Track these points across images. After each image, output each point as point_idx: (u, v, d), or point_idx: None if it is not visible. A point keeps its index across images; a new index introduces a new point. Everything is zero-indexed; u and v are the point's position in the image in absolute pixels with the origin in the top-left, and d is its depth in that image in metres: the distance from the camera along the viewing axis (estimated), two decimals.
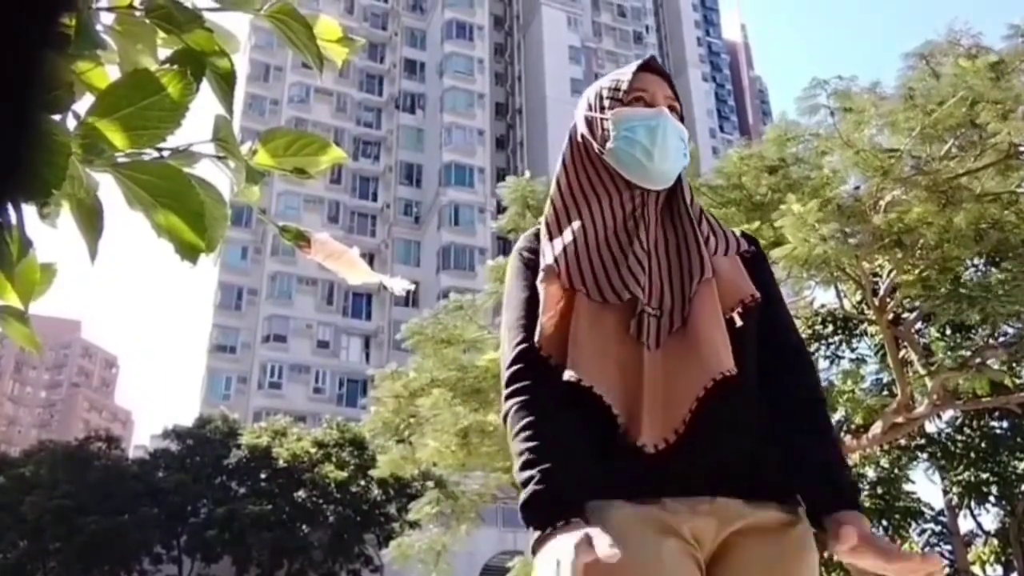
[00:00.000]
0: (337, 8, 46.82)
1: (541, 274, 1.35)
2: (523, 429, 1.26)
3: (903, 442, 11.61)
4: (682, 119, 1.47)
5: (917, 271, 8.61)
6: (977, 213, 8.09)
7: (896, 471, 12.50)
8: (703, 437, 1.23)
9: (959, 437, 12.27)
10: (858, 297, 10.26)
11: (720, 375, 1.25)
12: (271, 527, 27.03)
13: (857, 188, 8.94)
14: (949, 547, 13.39)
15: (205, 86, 1.01)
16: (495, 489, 12.46)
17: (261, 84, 47.48)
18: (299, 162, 1.10)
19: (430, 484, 13.75)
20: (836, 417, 10.54)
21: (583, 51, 51.74)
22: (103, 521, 27.23)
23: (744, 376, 1.27)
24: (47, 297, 1.10)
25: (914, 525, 12.98)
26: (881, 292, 9.08)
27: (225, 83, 1.06)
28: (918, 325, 10.15)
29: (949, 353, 9.34)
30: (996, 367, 8.90)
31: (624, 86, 1.44)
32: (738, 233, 1.48)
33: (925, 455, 12.44)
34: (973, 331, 9.77)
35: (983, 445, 12.16)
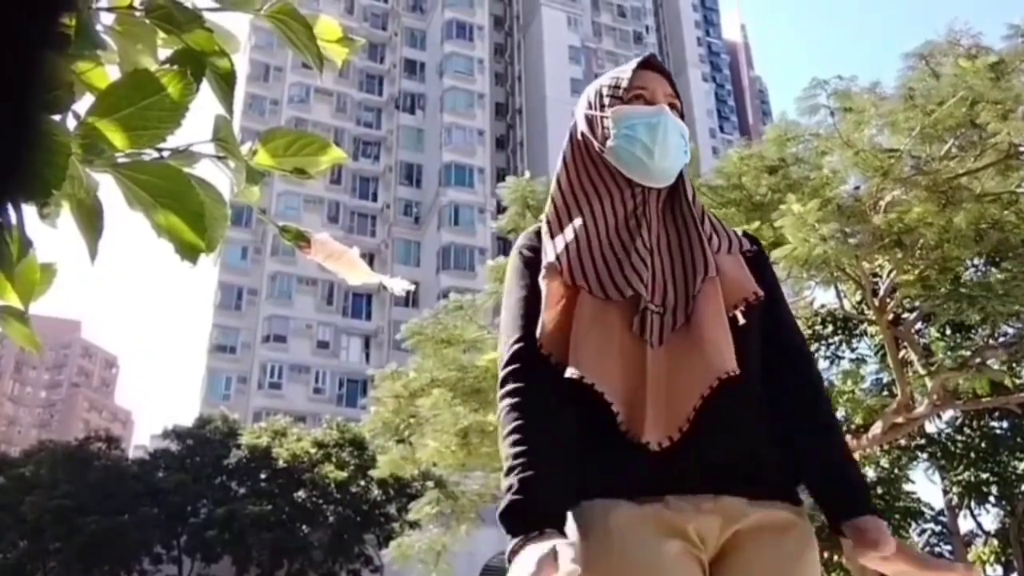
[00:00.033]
0: (337, 8, 46.82)
1: (543, 271, 1.34)
2: (510, 433, 1.26)
3: (903, 442, 11.62)
4: (682, 116, 1.46)
5: (917, 271, 8.61)
6: (977, 213, 8.09)
7: (896, 471, 12.50)
8: (706, 435, 1.22)
9: (959, 437, 12.27)
10: (858, 297, 10.26)
11: (724, 375, 1.24)
12: (271, 527, 27.02)
13: (857, 188, 8.93)
14: (949, 547, 13.40)
15: (205, 86, 1.01)
16: (495, 489, 12.46)
17: (261, 84, 47.48)
18: (299, 162, 1.10)
19: (430, 484, 13.75)
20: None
21: (583, 51, 51.74)
22: (103, 521, 27.23)
23: (746, 375, 1.27)
24: (47, 297, 1.10)
25: (914, 525, 13.00)
26: (881, 292, 9.07)
27: (225, 83, 1.06)
28: (918, 325, 10.15)
29: (949, 353, 9.34)
30: (996, 367, 8.90)
31: (624, 84, 1.44)
32: (740, 232, 1.48)
33: (925, 455, 12.44)
34: (973, 331, 9.77)
35: (983, 445, 12.16)
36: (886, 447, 11.46)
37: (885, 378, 11.42)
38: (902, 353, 9.53)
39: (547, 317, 1.31)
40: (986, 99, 7.72)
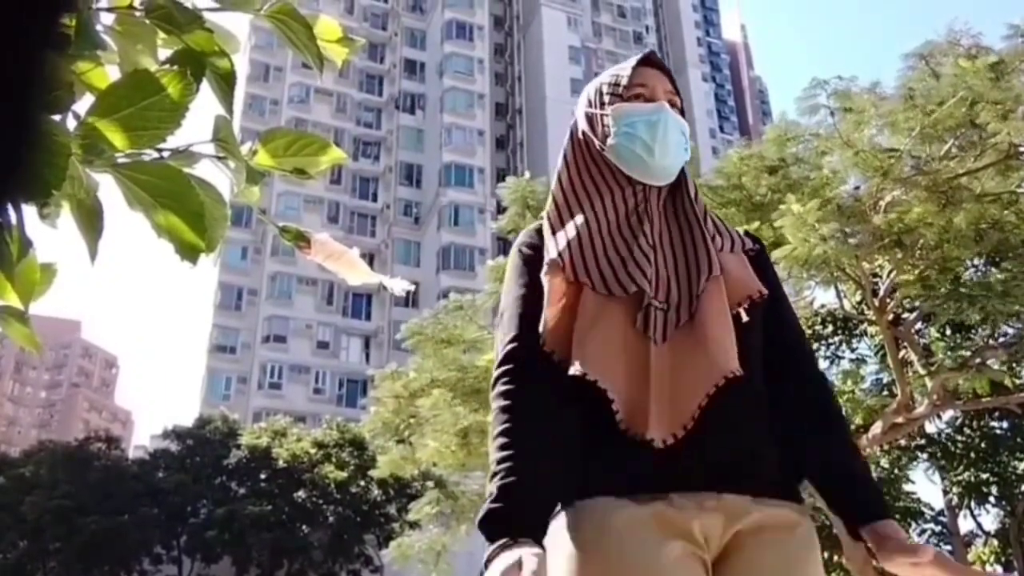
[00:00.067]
0: (337, 8, 46.83)
1: (545, 267, 1.34)
2: (496, 437, 1.25)
3: (903, 442, 11.62)
4: (683, 113, 1.46)
5: (917, 271, 8.61)
6: (977, 213, 8.09)
7: (896, 471, 12.51)
8: (709, 434, 1.22)
9: (959, 437, 12.27)
10: (858, 297, 10.26)
11: (729, 375, 1.24)
12: (271, 527, 27.03)
13: (857, 188, 8.93)
14: (949, 547, 13.39)
15: (205, 86, 1.01)
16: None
17: (261, 84, 47.48)
18: (299, 162, 1.10)
19: (430, 484, 13.75)
20: None
21: (583, 51, 51.75)
22: (103, 521, 27.24)
23: (749, 374, 1.27)
24: (47, 297, 1.10)
25: (914, 525, 12.99)
26: (881, 292, 9.07)
27: (225, 83, 1.06)
28: (918, 325, 10.15)
29: (949, 353, 9.34)
30: (996, 367, 8.90)
31: (624, 81, 1.43)
32: (741, 231, 1.47)
33: (925, 455, 12.44)
34: (973, 331, 9.77)
35: (983, 445, 12.16)
36: (886, 447, 11.46)
37: (885, 378, 11.41)
38: (902, 353, 9.52)
39: (549, 314, 1.31)
40: (986, 99, 7.72)
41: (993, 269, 8.98)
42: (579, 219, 1.37)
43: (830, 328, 11.43)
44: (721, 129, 60.16)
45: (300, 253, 1.26)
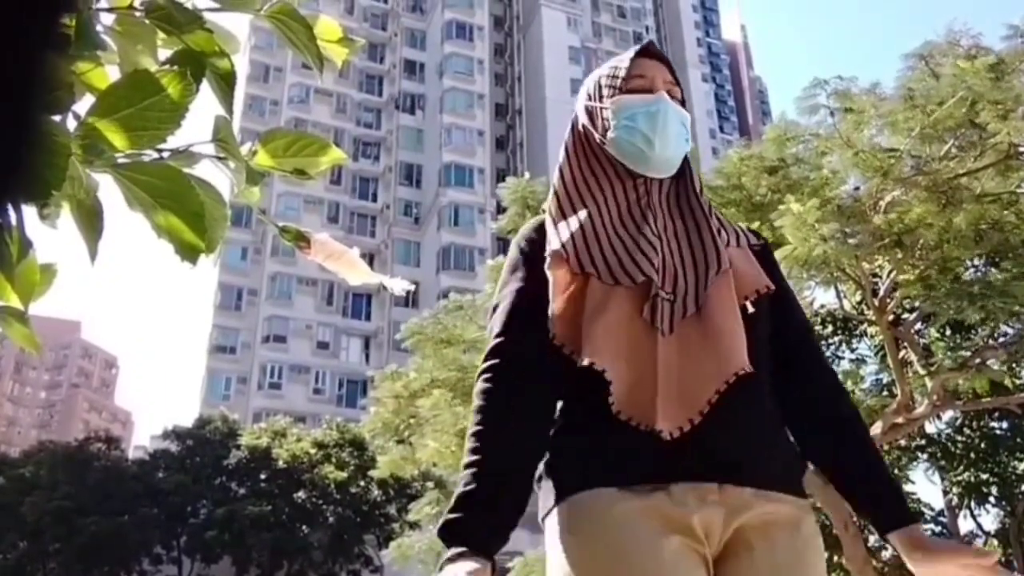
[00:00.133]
0: (337, 8, 46.83)
1: (548, 260, 1.33)
2: (468, 437, 1.26)
3: (903, 443, 11.62)
4: (683, 103, 1.44)
5: (917, 271, 8.61)
6: (977, 214, 8.08)
7: (896, 472, 12.49)
8: (714, 426, 1.21)
9: (959, 438, 12.26)
10: (858, 297, 10.25)
11: (740, 372, 1.23)
12: (271, 528, 27.03)
13: (857, 188, 8.93)
14: None
15: (205, 87, 1.01)
16: None
17: (261, 85, 47.49)
18: (299, 163, 1.10)
19: (430, 484, 13.76)
20: None
21: (583, 52, 51.75)
22: (103, 522, 27.23)
23: (756, 368, 1.26)
24: (47, 298, 1.10)
25: None
26: (881, 292, 9.07)
27: (225, 84, 1.06)
28: (918, 326, 10.14)
29: (949, 353, 9.34)
30: (996, 367, 8.89)
31: (622, 73, 1.42)
32: (744, 227, 1.47)
33: (925, 455, 12.44)
34: (973, 331, 9.77)
35: (983, 446, 12.16)
36: (886, 447, 11.45)
37: (885, 378, 11.41)
38: (902, 353, 9.52)
39: (556, 307, 1.30)
40: (986, 99, 7.72)
41: (993, 269, 8.97)
42: (582, 212, 1.36)
43: (830, 328, 11.42)
44: (721, 129, 60.18)
45: (300, 253, 1.26)
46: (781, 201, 8.14)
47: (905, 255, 8.55)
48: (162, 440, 32.01)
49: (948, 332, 10.22)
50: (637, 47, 1.47)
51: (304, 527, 28.12)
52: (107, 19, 1.04)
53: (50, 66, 0.52)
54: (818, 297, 11.41)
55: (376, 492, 27.55)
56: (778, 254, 7.63)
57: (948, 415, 11.57)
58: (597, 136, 1.41)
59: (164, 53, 1.06)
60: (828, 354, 11.53)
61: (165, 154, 0.95)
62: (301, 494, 28.00)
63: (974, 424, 12.12)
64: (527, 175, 10.72)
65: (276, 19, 1.07)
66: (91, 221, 0.98)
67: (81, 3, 0.96)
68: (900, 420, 9.00)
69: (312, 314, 42.31)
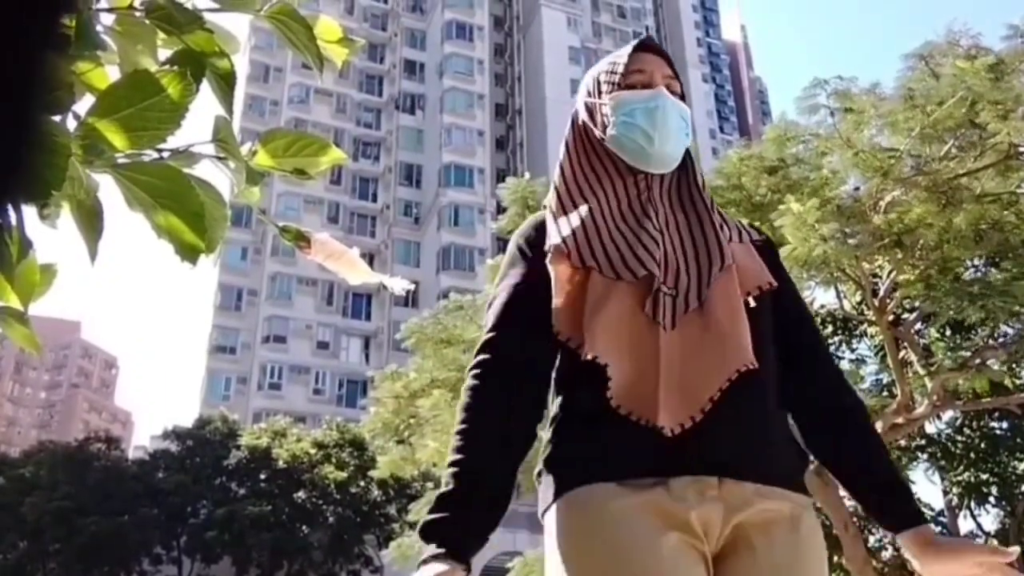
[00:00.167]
0: (337, 9, 46.83)
1: (549, 255, 1.32)
2: (454, 436, 1.27)
3: (903, 443, 11.61)
4: (683, 98, 1.43)
5: (917, 271, 8.61)
6: (977, 214, 8.08)
7: None
8: (716, 422, 1.20)
9: (959, 438, 12.26)
10: (858, 298, 10.25)
11: (744, 368, 1.22)
12: (271, 528, 27.02)
13: (857, 188, 8.93)
14: None
15: (205, 87, 1.01)
16: None
17: (261, 85, 47.49)
18: (299, 163, 1.10)
19: (430, 484, 13.76)
20: None
21: (583, 52, 51.74)
22: (103, 522, 27.22)
23: (760, 364, 1.25)
24: (47, 298, 1.10)
25: None
26: (881, 292, 9.07)
27: (225, 84, 1.06)
28: (918, 326, 10.14)
29: (949, 354, 9.33)
30: (996, 367, 8.89)
31: (620, 69, 1.41)
32: (746, 224, 1.46)
33: (925, 456, 12.43)
34: (973, 331, 9.76)
35: (983, 446, 12.15)
36: (886, 448, 11.45)
37: (885, 379, 11.40)
38: (902, 354, 9.52)
39: (558, 301, 1.29)
40: (986, 99, 7.72)
41: (993, 270, 8.97)
42: (583, 207, 1.35)
43: (830, 328, 11.42)
44: (721, 129, 60.18)
45: (300, 253, 1.26)
46: (781, 201, 8.14)
47: (905, 255, 8.55)
48: (162, 440, 32.01)
49: (948, 332, 10.22)
50: (635, 42, 1.46)
51: (304, 527, 28.12)
52: (107, 19, 1.04)
53: (50, 66, 0.52)
54: (818, 297, 11.42)
55: (376, 492, 27.54)
56: None
57: (948, 415, 11.57)
58: (597, 132, 1.41)
59: (164, 53, 1.06)
60: None
61: (165, 154, 0.95)
62: (301, 494, 28.00)
63: (974, 424, 12.12)
64: (527, 175, 10.72)
65: (276, 19, 1.07)
66: (91, 221, 0.98)
67: (81, 3, 0.96)
68: (900, 420, 9.00)
69: (312, 314, 42.30)
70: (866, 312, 10.09)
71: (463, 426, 1.27)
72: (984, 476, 12.32)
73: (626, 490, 1.18)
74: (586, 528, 1.19)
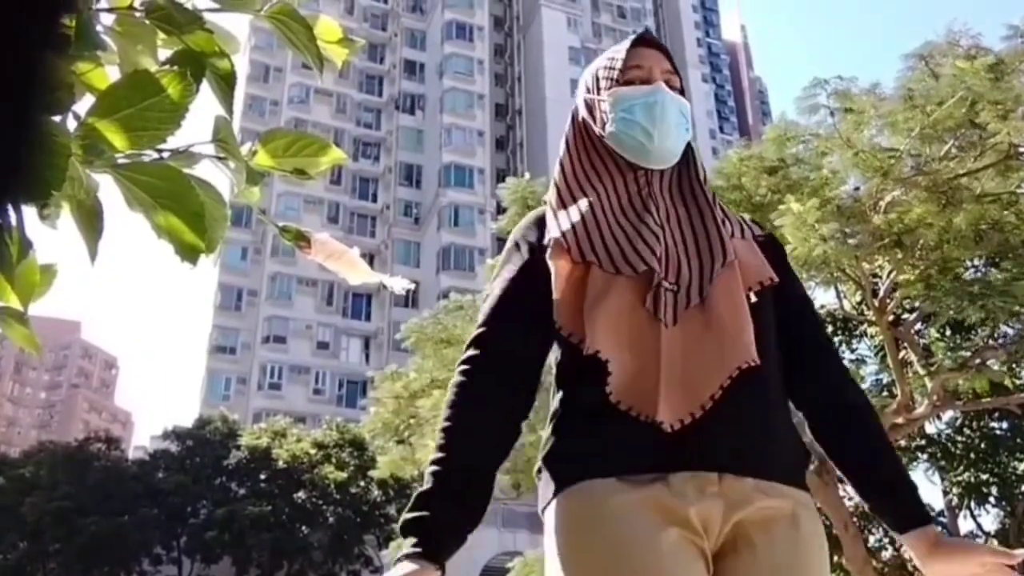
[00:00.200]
0: (337, 9, 46.83)
1: (549, 250, 1.32)
2: (437, 432, 1.27)
3: (903, 443, 11.61)
4: (682, 92, 1.42)
5: (917, 271, 8.61)
6: (977, 214, 8.08)
7: None
8: (716, 418, 1.19)
9: (959, 438, 12.26)
10: (858, 298, 10.25)
11: (745, 364, 1.22)
12: (271, 528, 27.02)
13: (857, 188, 8.93)
14: None
15: (205, 87, 1.01)
16: (495, 490, 12.44)
17: (261, 85, 47.49)
18: (299, 163, 1.10)
19: None
20: None
21: (583, 52, 51.71)
22: (103, 522, 27.22)
23: (762, 360, 1.24)
24: (47, 298, 1.10)
25: None
26: (881, 293, 9.07)
27: (225, 84, 1.06)
28: (918, 326, 10.15)
29: (949, 354, 9.33)
30: (996, 367, 8.89)
31: (619, 64, 1.40)
32: (748, 219, 1.45)
33: (925, 456, 12.43)
34: (973, 331, 9.76)
35: (983, 446, 12.15)
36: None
37: (885, 379, 11.41)
38: (902, 354, 9.52)
39: (559, 297, 1.29)
40: (986, 99, 7.72)
41: (993, 270, 8.98)
42: (583, 202, 1.34)
43: (830, 329, 11.43)
44: (721, 130, 60.18)
45: (300, 253, 1.26)
46: (781, 201, 8.14)
47: (905, 255, 8.55)
48: (162, 440, 32.01)
49: (948, 332, 10.22)
50: (633, 36, 1.44)
51: (304, 527, 28.12)
52: (107, 19, 1.04)
53: (50, 66, 0.52)
54: (818, 297, 11.42)
55: (376, 492, 27.54)
56: None
57: (948, 415, 11.57)
58: (596, 129, 1.40)
59: (164, 53, 1.06)
60: None
61: (165, 154, 0.95)
62: (301, 494, 28.00)
63: (974, 424, 12.12)
64: (527, 175, 10.73)
65: (276, 19, 1.07)
66: (91, 221, 0.98)
67: (81, 3, 0.96)
68: (900, 420, 9.00)
69: (312, 314, 42.30)
70: (866, 312, 10.09)
71: (447, 424, 1.27)
72: (984, 476, 12.32)
73: (626, 486, 1.18)
74: (586, 523, 1.19)
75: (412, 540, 1.18)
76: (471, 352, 1.33)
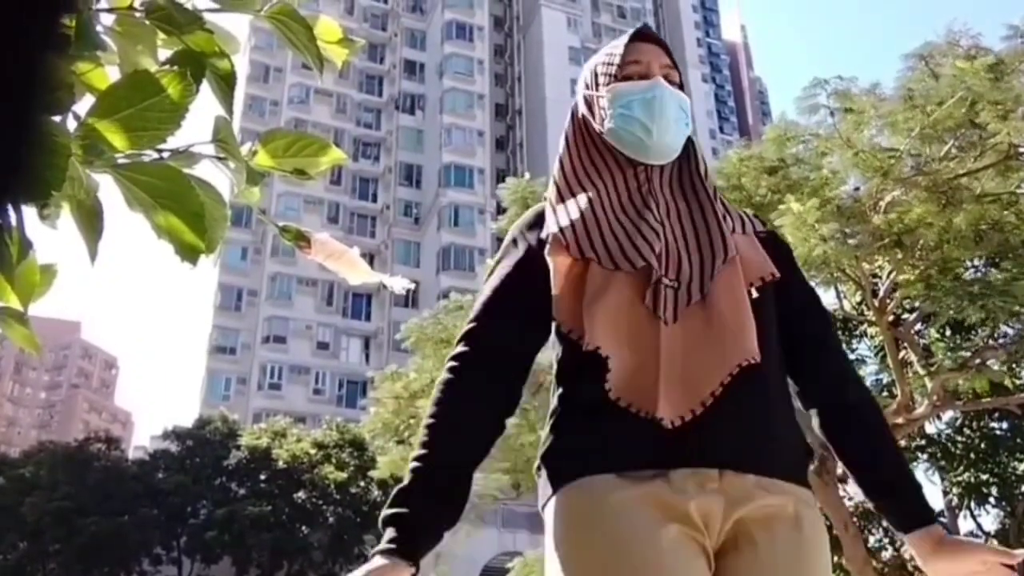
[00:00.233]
0: (337, 9, 46.82)
1: (548, 246, 1.31)
2: (421, 428, 1.28)
3: (903, 443, 11.60)
4: (682, 87, 1.41)
5: (917, 271, 8.61)
6: (977, 214, 8.08)
7: None
8: (717, 414, 1.18)
9: (959, 438, 12.26)
10: (858, 298, 10.25)
11: (746, 362, 1.21)
12: (271, 528, 27.02)
13: (857, 188, 8.93)
14: None
15: (205, 87, 1.01)
16: (495, 490, 12.45)
17: (261, 85, 47.48)
18: (299, 163, 1.10)
19: None
20: None
21: (583, 52, 51.69)
22: (103, 522, 27.21)
23: (764, 356, 1.23)
24: (47, 298, 1.10)
25: None
26: (881, 293, 9.07)
27: (225, 84, 1.06)
28: (918, 326, 10.15)
29: (949, 354, 9.33)
30: (996, 368, 8.89)
31: (616, 60, 1.39)
32: (750, 214, 1.44)
33: (925, 456, 12.43)
34: (973, 331, 9.76)
35: (983, 446, 12.15)
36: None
37: (885, 379, 11.41)
38: (902, 354, 9.52)
39: (559, 293, 1.29)
40: (986, 99, 7.72)
41: (993, 270, 8.98)
42: (582, 199, 1.34)
43: None
44: (721, 130, 60.18)
45: (301, 253, 1.26)
46: (781, 201, 8.14)
47: (905, 255, 8.55)
48: (162, 440, 32.00)
49: (948, 332, 10.22)
50: (631, 32, 1.43)
51: (304, 527, 28.12)
52: (107, 19, 1.04)
53: (50, 66, 0.52)
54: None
55: (376, 492, 27.52)
56: None
57: (948, 415, 11.57)
58: (596, 125, 1.39)
59: (164, 53, 1.06)
60: None
61: (165, 154, 0.95)
62: (301, 494, 28.00)
63: (974, 424, 12.12)
64: (527, 175, 10.72)
65: (276, 20, 1.07)
66: (91, 221, 0.98)
67: (81, 3, 0.96)
68: (900, 420, 9.00)
69: (312, 314, 42.30)
70: (866, 312, 10.09)
71: (432, 420, 1.27)
72: (984, 476, 12.32)
73: (626, 482, 1.17)
74: (586, 520, 1.18)
75: (390, 535, 1.18)
76: (460, 348, 1.33)
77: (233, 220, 1.17)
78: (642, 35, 1.43)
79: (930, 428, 11.93)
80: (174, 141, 0.92)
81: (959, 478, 12.36)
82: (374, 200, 47.37)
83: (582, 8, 54.52)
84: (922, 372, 9.26)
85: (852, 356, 11.58)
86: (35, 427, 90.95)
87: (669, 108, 1.35)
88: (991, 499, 12.72)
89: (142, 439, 59.23)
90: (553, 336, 1.35)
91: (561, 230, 1.30)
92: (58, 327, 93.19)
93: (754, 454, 1.22)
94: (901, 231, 8.31)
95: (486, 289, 1.38)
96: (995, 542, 13.85)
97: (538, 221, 1.39)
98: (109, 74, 1.03)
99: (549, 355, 1.38)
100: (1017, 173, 8.34)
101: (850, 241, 8.21)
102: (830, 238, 7.67)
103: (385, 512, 1.21)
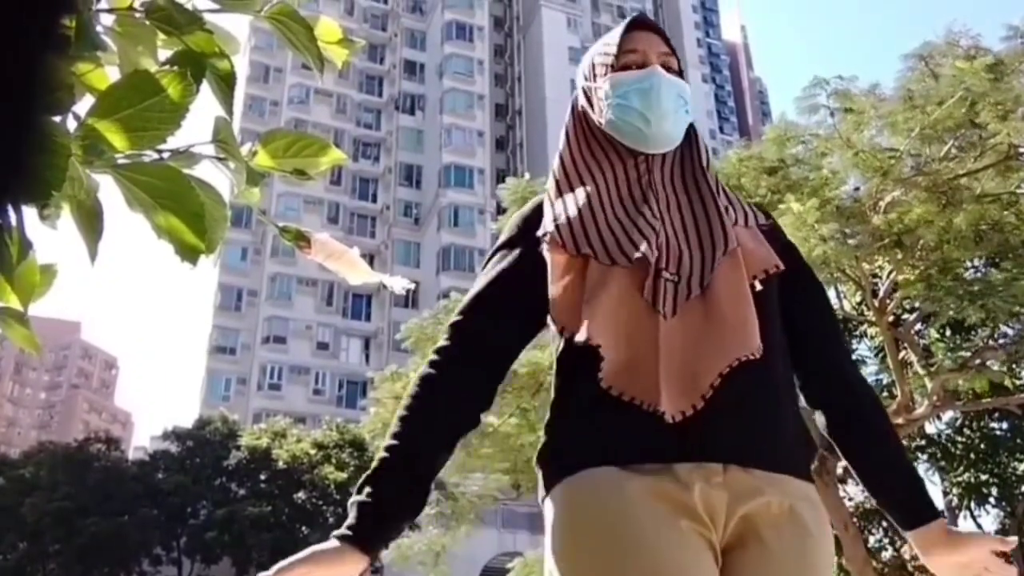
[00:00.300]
0: (337, 9, 46.83)
1: (544, 243, 1.30)
2: (395, 420, 1.28)
3: (903, 443, 11.62)
4: (681, 74, 1.40)
5: (917, 271, 8.62)
6: (977, 214, 8.09)
7: None
8: (719, 408, 1.17)
9: (959, 438, 12.26)
10: (858, 298, 10.25)
11: (747, 356, 1.19)
12: (271, 528, 27.02)
13: (857, 188, 8.94)
14: None
15: (205, 87, 1.01)
16: (495, 491, 12.45)
17: (261, 85, 47.49)
18: (299, 163, 1.10)
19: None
20: None
21: (583, 52, 51.18)
22: (103, 523, 27.21)
23: (766, 349, 1.22)
24: (47, 298, 1.10)
25: None
26: (881, 293, 9.08)
27: (225, 84, 1.06)
28: (918, 326, 10.15)
29: (949, 354, 9.33)
30: (996, 368, 8.89)
31: (613, 50, 1.38)
32: (754, 206, 1.42)
33: (925, 456, 12.43)
34: (973, 332, 9.77)
35: (983, 446, 12.15)
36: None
37: (885, 379, 11.40)
38: (902, 354, 9.52)
39: (555, 290, 1.27)
40: (985, 100, 7.73)
41: (993, 270, 8.98)
42: (580, 193, 1.32)
43: None
44: (721, 130, 60.17)
45: (300, 253, 1.25)
46: (781, 201, 8.14)
47: (905, 255, 8.56)
48: (162, 441, 32.00)
49: (948, 333, 10.22)
50: (628, 20, 1.42)
51: (304, 528, 28.10)
52: (107, 20, 1.04)
53: (50, 67, 0.52)
54: None
55: None
56: None
57: (948, 416, 11.57)
58: (594, 117, 1.38)
59: (164, 54, 1.06)
60: None
61: (165, 155, 0.95)
62: (301, 495, 28.00)
63: (974, 425, 12.12)
64: (527, 175, 10.72)
65: (276, 20, 1.07)
66: (91, 222, 0.98)
67: (81, 3, 0.96)
68: (900, 421, 9.00)
69: (312, 315, 42.31)
70: (866, 312, 10.09)
71: (403, 412, 1.28)
72: (984, 477, 12.33)
73: (630, 474, 1.16)
74: (588, 511, 1.17)
75: (349, 522, 1.19)
76: (443, 342, 1.33)
77: (233, 220, 1.17)
78: (638, 23, 1.41)
79: (930, 428, 11.94)
80: (174, 141, 0.92)
81: (959, 478, 12.36)
82: (374, 200, 47.37)
83: (582, 8, 54.53)
84: (922, 372, 9.26)
85: (852, 356, 11.59)
86: (35, 427, 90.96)
87: (667, 96, 1.33)
88: (991, 499, 12.72)
89: (142, 439, 59.30)
90: (553, 332, 1.34)
91: (557, 227, 1.29)
92: (58, 327, 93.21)
93: (758, 449, 1.21)
94: (901, 231, 8.31)
95: (478, 283, 1.38)
96: None
97: (536, 214, 1.38)
98: (109, 74, 1.03)
99: (549, 355, 1.38)
100: (1017, 173, 8.34)
101: (850, 241, 8.21)
102: (830, 238, 7.67)
103: (352, 499, 1.22)
